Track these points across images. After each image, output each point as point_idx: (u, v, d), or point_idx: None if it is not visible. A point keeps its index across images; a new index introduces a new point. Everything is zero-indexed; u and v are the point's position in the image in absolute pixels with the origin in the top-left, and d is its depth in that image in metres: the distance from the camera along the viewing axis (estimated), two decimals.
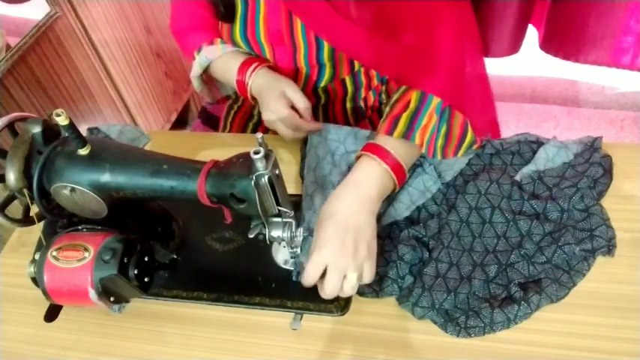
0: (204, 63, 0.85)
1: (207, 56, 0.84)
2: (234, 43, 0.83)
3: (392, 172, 0.63)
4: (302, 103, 0.77)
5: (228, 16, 0.79)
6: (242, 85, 0.81)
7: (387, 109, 0.67)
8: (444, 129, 0.65)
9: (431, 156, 0.66)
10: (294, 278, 0.65)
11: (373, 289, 0.62)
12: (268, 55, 0.82)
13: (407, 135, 0.63)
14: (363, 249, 0.57)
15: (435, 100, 0.64)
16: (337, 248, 0.56)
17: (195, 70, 0.87)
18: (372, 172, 0.62)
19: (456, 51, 0.68)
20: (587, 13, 0.88)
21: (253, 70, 0.80)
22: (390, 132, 0.63)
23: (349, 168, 0.69)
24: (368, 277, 0.58)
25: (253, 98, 0.82)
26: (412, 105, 0.64)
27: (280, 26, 0.77)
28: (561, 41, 0.96)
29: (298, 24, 0.76)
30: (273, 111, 0.76)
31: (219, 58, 0.84)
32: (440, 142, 0.65)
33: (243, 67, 0.80)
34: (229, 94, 0.99)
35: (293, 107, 0.77)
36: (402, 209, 0.67)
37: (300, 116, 0.77)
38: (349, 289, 0.57)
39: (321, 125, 0.77)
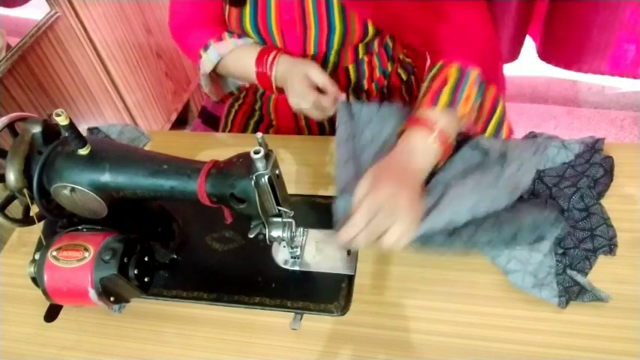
0: (214, 59, 0.83)
1: (218, 52, 0.82)
2: (244, 32, 0.82)
3: (439, 142, 0.63)
4: (328, 84, 0.75)
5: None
6: (264, 77, 0.80)
7: (425, 84, 0.68)
8: (478, 101, 0.66)
9: (469, 129, 0.66)
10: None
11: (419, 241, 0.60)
12: (278, 42, 0.81)
13: (451, 104, 0.63)
14: (416, 208, 0.58)
15: (474, 73, 0.64)
16: (396, 191, 0.56)
17: (207, 68, 0.84)
18: (421, 144, 0.63)
19: (487, 27, 0.71)
20: (590, 23, 0.88)
21: (273, 60, 0.78)
22: (433, 104, 0.64)
23: (384, 145, 0.68)
24: (403, 241, 0.56)
25: (278, 89, 0.80)
26: (452, 79, 0.65)
27: (292, 9, 0.77)
28: (563, 51, 0.96)
29: (310, 6, 0.76)
30: (298, 94, 0.75)
31: (231, 52, 0.82)
32: (476, 114, 0.66)
33: (260, 58, 0.79)
34: (232, 91, 0.98)
35: (319, 88, 0.76)
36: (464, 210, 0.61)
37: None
38: (393, 238, 0.55)
39: (342, 95, 0.75)
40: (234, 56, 0.82)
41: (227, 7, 0.82)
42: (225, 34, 0.83)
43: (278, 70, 0.78)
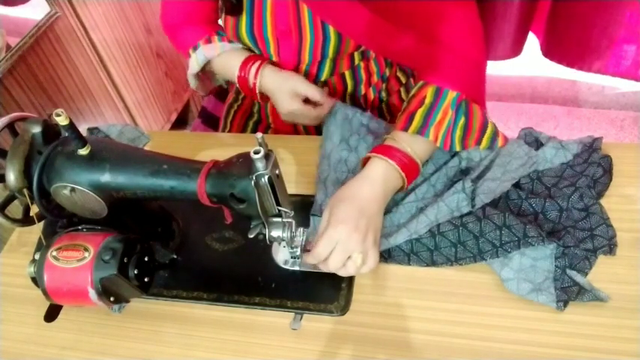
0: (202, 61, 0.85)
1: (205, 54, 0.85)
2: (240, 39, 0.83)
3: (402, 171, 0.65)
4: (317, 95, 0.79)
5: (239, 8, 0.79)
6: (244, 81, 0.83)
7: (405, 104, 0.70)
8: (461, 121, 0.67)
9: (447, 149, 0.67)
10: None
11: (382, 255, 0.65)
12: (273, 50, 0.82)
13: (421, 131, 0.66)
14: (371, 237, 0.61)
15: (451, 95, 0.67)
16: (351, 228, 0.59)
17: (193, 68, 0.87)
18: (384, 171, 0.65)
19: (473, 44, 0.71)
20: (592, 22, 0.88)
21: (258, 69, 0.81)
22: (405, 128, 0.66)
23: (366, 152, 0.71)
24: (370, 265, 0.60)
25: (263, 97, 0.84)
26: (427, 101, 0.67)
27: (288, 19, 0.77)
28: (565, 49, 0.96)
29: (306, 16, 0.76)
30: (290, 110, 0.80)
31: (218, 56, 0.85)
32: (458, 133, 0.67)
33: (244, 64, 0.82)
34: (221, 84, 1.00)
35: (307, 99, 0.81)
36: (423, 225, 0.65)
37: (315, 104, 0.81)
38: (352, 269, 0.60)
39: (335, 101, 0.81)
40: (221, 60, 0.85)
41: (223, 14, 0.83)
42: (215, 37, 0.85)
43: (262, 81, 0.81)
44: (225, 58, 0.84)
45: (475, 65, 0.72)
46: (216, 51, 0.84)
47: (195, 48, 0.86)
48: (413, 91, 0.70)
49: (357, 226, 0.59)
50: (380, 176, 0.64)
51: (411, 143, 0.66)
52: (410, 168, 0.66)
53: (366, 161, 0.68)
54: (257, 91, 0.82)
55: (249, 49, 0.85)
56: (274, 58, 0.84)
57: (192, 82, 0.92)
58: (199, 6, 0.86)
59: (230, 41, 0.85)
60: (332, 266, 0.59)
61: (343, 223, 0.59)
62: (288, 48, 0.81)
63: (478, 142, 0.69)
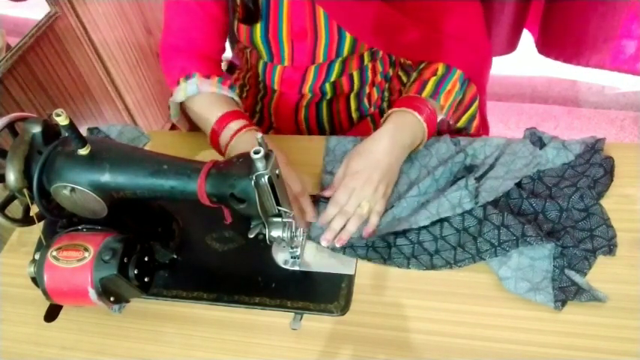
0: (190, 92, 0.77)
1: (199, 87, 0.77)
2: (253, 44, 0.82)
3: (425, 123, 0.70)
4: (297, 185, 0.69)
5: (256, 15, 0.76)
6: (214, 135, 0.75)
7: (415, 74, 0.76)
8: (459, 97, 0.75)
9: (448, 119, 0.74)
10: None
11: (382, 256, 0.65)
12: (287, 52, 0.82)
13: (433, 96, 0.72)
14: (382, 188, 0.68)
15: (458, 72, 0.75)
16: (365, 179, 0.67)
17: (179, 97, 0.78)
18: (407, 122, 0.70)
19: (477, 34, 0.78)
20: (588, 16, 0.88)
21: (238, 130, 0.73)
22: (419, 92, 0.73)
23: None
24: (376, 214, 0.68)
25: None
26: (439, 72, 0.74)
27: (304, 21, 0.77)
28: (562, 45, 0.96)
29: (321, 17, 0.76)
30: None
31: (211, 94, 0.77)
32: (454, 107, 0.75)
33: (224, 118, 0.74)
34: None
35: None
36: (423, 217, 0.65)
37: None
38: (357, 217, 0.67)
39: (313, 213, 0.70)
40: (209, 99, 0.77)
41: (236, 22, 0.80)
42: (215, 77, 0.78)
43: (238, 145, 0.72)
44: (213, 98, 0.77)
45: (478, 52, 0.78)
46: (212, 88, 0.76)
47: (188, 77, 0.78)
48: (421, 66, 0.76)
49: (370, 177, 0.66)
50: (395, 129, 0.69)
51: (428, 103, 0.71)
52: (429, 115, 0.71)
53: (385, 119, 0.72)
54: (226, 152, 0.74)
55: (239, 104, 0.80)
56: (286, 61, 0.83)
57: (174, 112, 0.83)
58: (208, 39, 0.81)
59: (231, 87, 0.79)
60: (350, 208, 0.66)
61: (358, 174, 0.67)
62: (302, 49, 0.81)
63: (458, 120, 0.77)
